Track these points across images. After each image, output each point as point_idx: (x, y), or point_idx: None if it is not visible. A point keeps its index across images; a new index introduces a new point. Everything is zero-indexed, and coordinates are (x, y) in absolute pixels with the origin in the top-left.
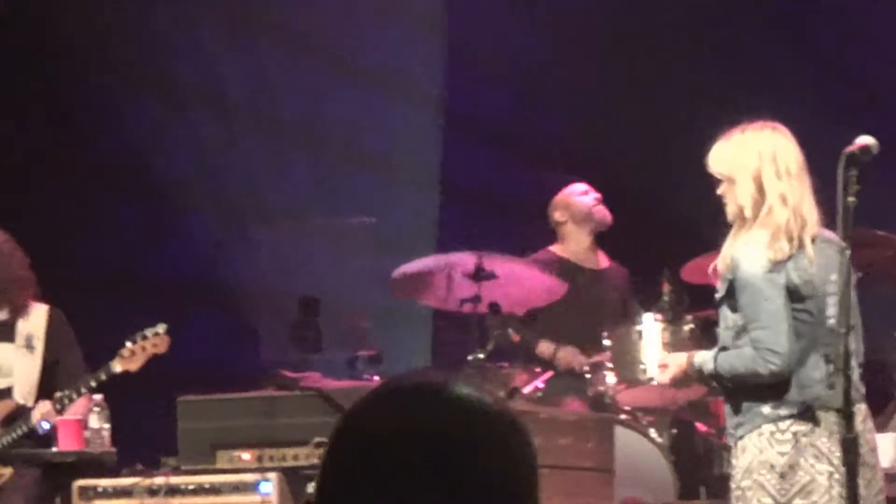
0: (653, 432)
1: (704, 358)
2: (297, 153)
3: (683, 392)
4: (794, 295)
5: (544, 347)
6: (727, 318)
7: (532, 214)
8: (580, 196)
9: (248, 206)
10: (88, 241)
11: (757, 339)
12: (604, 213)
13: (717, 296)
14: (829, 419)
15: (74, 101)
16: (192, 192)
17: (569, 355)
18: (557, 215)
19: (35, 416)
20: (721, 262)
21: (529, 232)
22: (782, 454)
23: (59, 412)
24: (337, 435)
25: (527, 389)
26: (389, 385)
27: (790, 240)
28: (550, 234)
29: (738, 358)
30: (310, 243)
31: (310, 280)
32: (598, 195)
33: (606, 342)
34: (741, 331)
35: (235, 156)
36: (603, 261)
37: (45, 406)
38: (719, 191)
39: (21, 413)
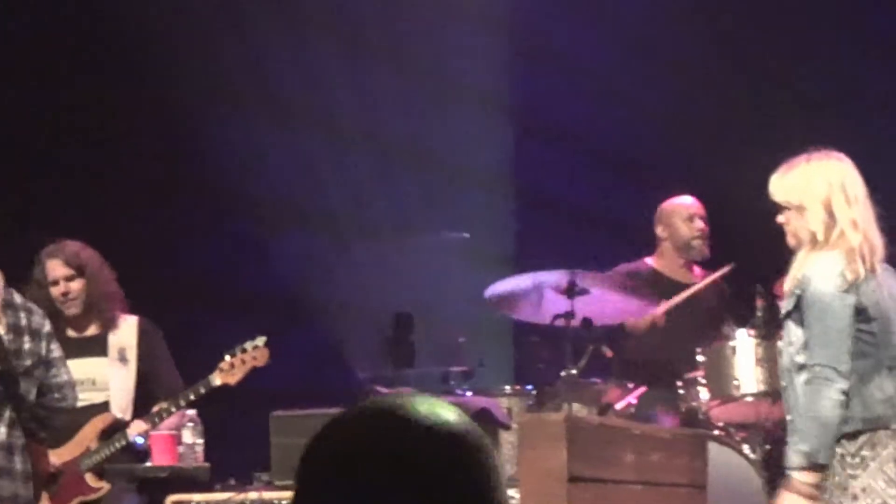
0: (746, 448)
1: (791, 454)
2: (394, 169)
3: (778, 408)
4: (861, 315)
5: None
6: (791, 334)
7: (624, 226)
8: (684, 222)
9: (343, 223)
10: (189, 256)
11: (820, 356)
12: (702, 250)
13: (784, 311)
14: (893, 443)
15: (178, 118)
16: (290, 209)
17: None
18: (659, 229)
19: (131, 432)
20: (790, 280)
21: (621, 245)
22: (854, 477)
23: (156, 425)
24: (303, 459)
25: (619, 405)
26: (354, 407)
27: (863, 262)
28: (643, 245)
29: (810, 409)
30: (403, 259)
31: (403, 296)
32: (703, 227)
33: (700, 357)
34: (805, 346)
35: (329, 173)
36: (698, 276)
37: (142, 425)
38: (781, 219)
39: (119, 427)
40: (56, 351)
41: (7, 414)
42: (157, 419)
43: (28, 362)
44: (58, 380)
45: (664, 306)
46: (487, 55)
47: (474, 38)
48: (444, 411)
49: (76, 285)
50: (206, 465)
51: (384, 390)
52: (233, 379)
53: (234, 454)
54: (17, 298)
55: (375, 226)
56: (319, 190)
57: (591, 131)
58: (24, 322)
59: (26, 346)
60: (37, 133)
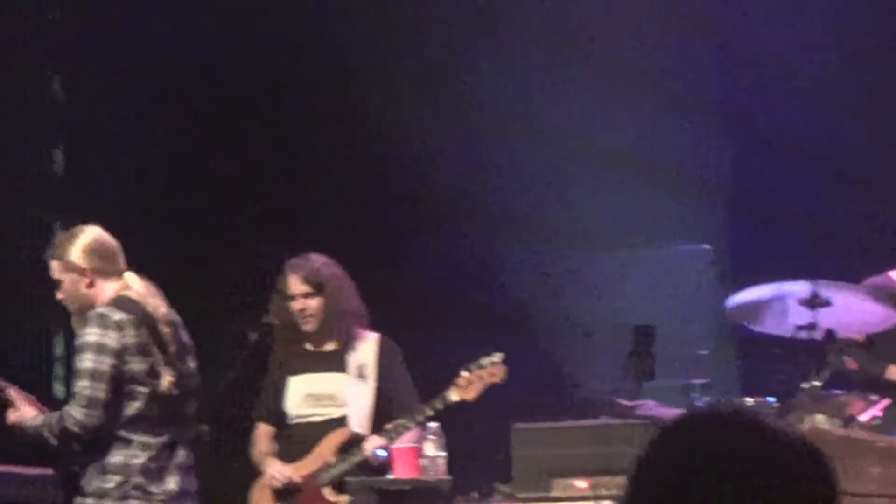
0: None
1: None
2: (628, 181)
3: None
4: None
5: (894, 370)
6: None
7: (856, 238)
8: None
9: (582, 235)
10: (421, 270)
11: None
12: None
13: None
14: None
15: (406, 133)
16: (524, 222)
17: None
18: None
19: (367, 446)
20: None
21: (854, 256)
22: None
23: (393, 440)
24: (640, 463)
25: (863, 417)
26: (688, 415)
27: None
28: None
29: None
30: (644, 271)
31: (644, 308)
32: None
33: None
34: None
35: (559, 185)
36: None
37: (379, 440)
38: None
39: (356, 442)
40: None
41: (187, 435)
42: (393, 434)
43: (198, 379)
44: None
45: None
46: (706, 64)
47: (693, 46)
48: (783, 424)
49: (314, 303)
50: (449, 477)
51: (625, 402)
52: (470, 395)
53: (476, 466)
54: (175, 316)
55: (621, 237)
56: (551, 202)
57: (814, 140)
58: (185, 339)
59: (191, 364)
60: (275, 147)
